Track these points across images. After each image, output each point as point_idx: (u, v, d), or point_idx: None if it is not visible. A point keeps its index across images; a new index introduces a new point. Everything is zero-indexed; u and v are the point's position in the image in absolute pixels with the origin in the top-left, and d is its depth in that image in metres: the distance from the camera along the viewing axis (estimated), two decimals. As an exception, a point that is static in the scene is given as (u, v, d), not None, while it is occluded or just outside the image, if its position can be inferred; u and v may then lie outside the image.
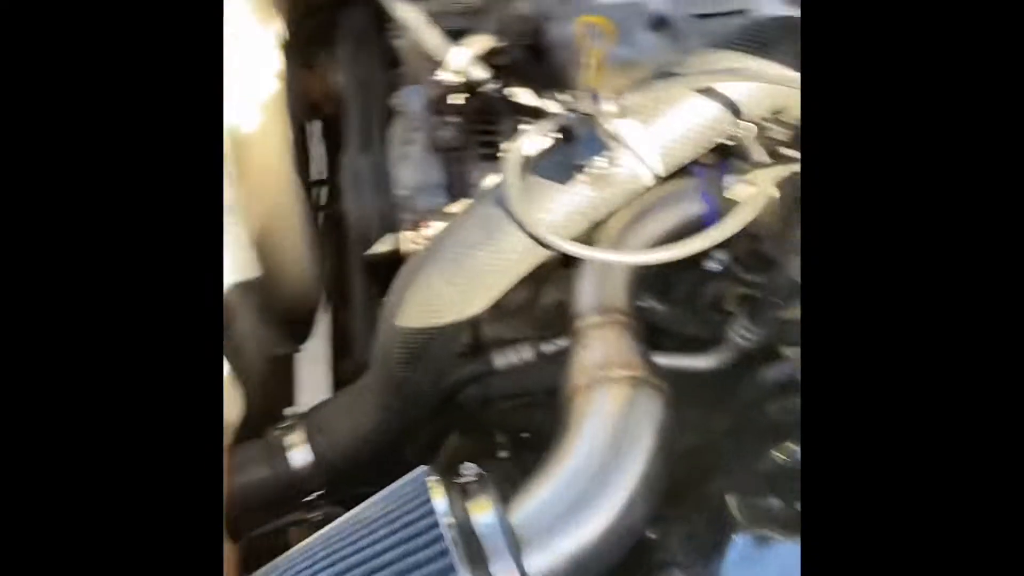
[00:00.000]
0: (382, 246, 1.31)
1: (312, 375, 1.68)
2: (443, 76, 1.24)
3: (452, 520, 0.96)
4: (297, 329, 1.62)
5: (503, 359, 1.30)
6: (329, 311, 1.66)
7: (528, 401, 1.47)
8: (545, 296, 1.31)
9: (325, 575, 0.97)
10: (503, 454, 1.55)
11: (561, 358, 1.17)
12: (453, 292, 1.03)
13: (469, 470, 1.06)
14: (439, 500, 0.98)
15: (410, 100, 1.30)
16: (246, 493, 1.22)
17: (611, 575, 1.10)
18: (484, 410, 1.47)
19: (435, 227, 1.25)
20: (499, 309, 1.33)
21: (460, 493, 1.03)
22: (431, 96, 1.27)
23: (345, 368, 1.54)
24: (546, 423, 1.51)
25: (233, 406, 1.19)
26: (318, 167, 1.84)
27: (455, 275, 1.03)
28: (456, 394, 1.35)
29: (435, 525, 0.96)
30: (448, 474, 1.10)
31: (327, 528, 1.10)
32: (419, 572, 0.93)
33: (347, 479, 1.30)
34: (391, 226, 1.29)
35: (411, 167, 1.28)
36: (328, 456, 1.22)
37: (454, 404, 1.41)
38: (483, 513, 1.00)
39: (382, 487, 1.07)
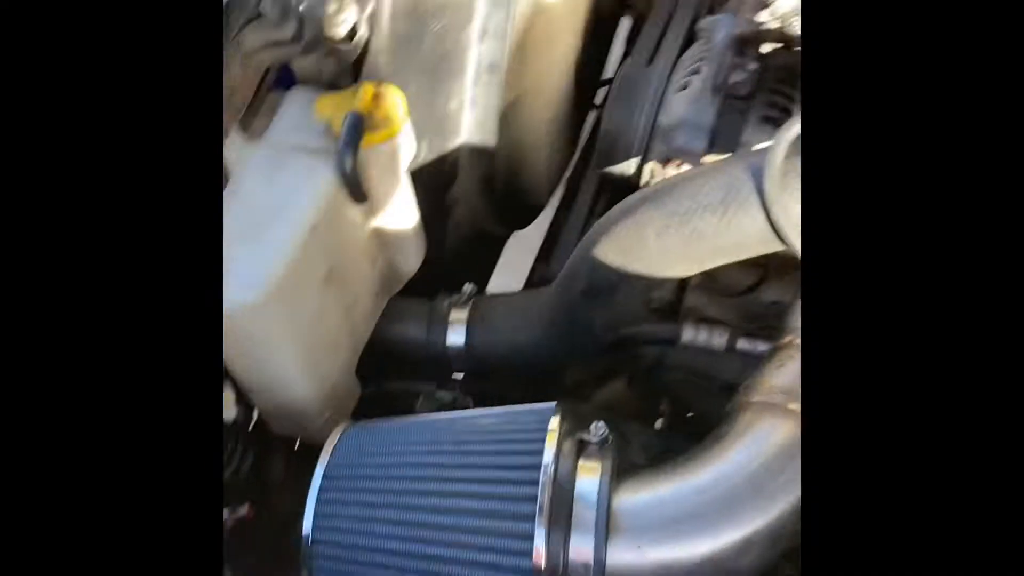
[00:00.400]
0: (622, 168, 1.21)
1: (509, 265, 1.64)
2: (762, 17, 1.09)
3: (552, 473, 0.89)
4: (516, 215, 1.58)
5: (692, 335, 1.18)
6: (554, 211, 1.59)
7: (702, 385, 1.37)
8: (766, 292, 1.16)
9: (421, 459, 0.95)
10: (658, 424, 1.48)
11: (750, 362, 1.04)
12: (660, 246, 0.93)
13: (598, 430, 0.99)
14: (550, 447, 0.91)
15: (717, 29, 1.15)
16: (393, 344, 1.23)
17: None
18: (658, 372, 1.38)
19: (682, 169, 1.14)
20: (712, 282, 1.22)
21: (576, 448, 0.96)
22: (740, 33, 1.12)
23: (538, 272, 1.48)
24: (714, 414, 1.43)
25: (415, 253, 1.18)
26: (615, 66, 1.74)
27: (670, 229, 0.92)
28: (632, 345, 1.26)
29: (535, 467, 0.90)
30: (578, 421, 1.04)
31: (444, 415, 1.08)
32: (501, 504, 0.89)
33: (489, 376, 1.27)
34: (641, 151, 1.19)
35: (686, 99, 1.15)
36: (480, 347, 1.19)
37: (631, 353, 1.33)
38: (588, 479, 0.92)
39: (518, 400, 1.03)
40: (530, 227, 1.69)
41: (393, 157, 1.01)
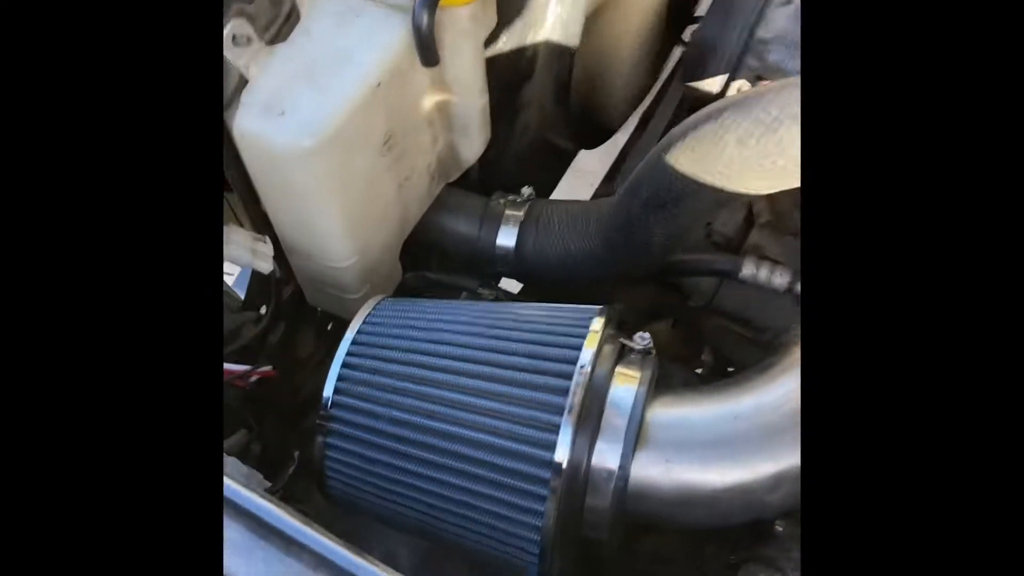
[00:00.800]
0: (708, 84, 1.14)
1: (582, 178, 1.59)
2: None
3: (588, 372, 0.85)
4: (587, 131, 1.52)
5: (753, 269, 1.12)
6: (630, 132, 1.53)
7: (747, 338, 1.32)
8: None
9: (454, 337, 0.91)
10: (698, 371, 1.43)
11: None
12: (740, 155, 0.87)
13: (643, 339, 0.94)
14: (590, 346, 0.87)
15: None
16: (441, 234, 1.19)
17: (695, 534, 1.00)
18: (705, 316, 1.33)
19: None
20: (780, 221, 1.15)
21: (617, 353, 0.91)
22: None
23: (605, 189, 1.43)
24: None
25: (478, 140, 1.13)
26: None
27: (753, 138, 0.85)
28: (688, 273, 1.21)
29: (571, 363, 0.86)
30: (621, 330, 0.99)
31: (483, 303, 1.04)
32: (532, 393, 0.85)
33: (531, 281, 1.23)
34: (731, 67, 1.12)
35: (786, 16, 1.08)
36: (530, 251, 1.14)
37: (681, 290, 1.28)
38: (625, 385, 0.88)
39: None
40: (599, 151, 1.63)
41: (471, 25, 0.96)
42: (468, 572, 1.13)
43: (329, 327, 1.28)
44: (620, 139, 1.58)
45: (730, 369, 1.44)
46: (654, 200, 0.95)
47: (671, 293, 1.33)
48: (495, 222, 1.17)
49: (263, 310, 1.14)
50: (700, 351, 1.48)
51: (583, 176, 1.73)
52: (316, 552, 0.55)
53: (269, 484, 1.05)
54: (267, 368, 1.05)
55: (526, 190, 1.20)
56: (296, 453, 1.09)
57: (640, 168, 0.99)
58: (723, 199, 0.93)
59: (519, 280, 1.22)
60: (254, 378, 1.03)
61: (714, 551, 0.99)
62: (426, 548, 1.10)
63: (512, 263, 1.17)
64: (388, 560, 1.17)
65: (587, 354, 0.86)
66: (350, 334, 0.94)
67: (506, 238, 1.16)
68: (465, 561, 1.08)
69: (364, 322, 0.95)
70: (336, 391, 0.91)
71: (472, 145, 1.13)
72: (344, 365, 0.92)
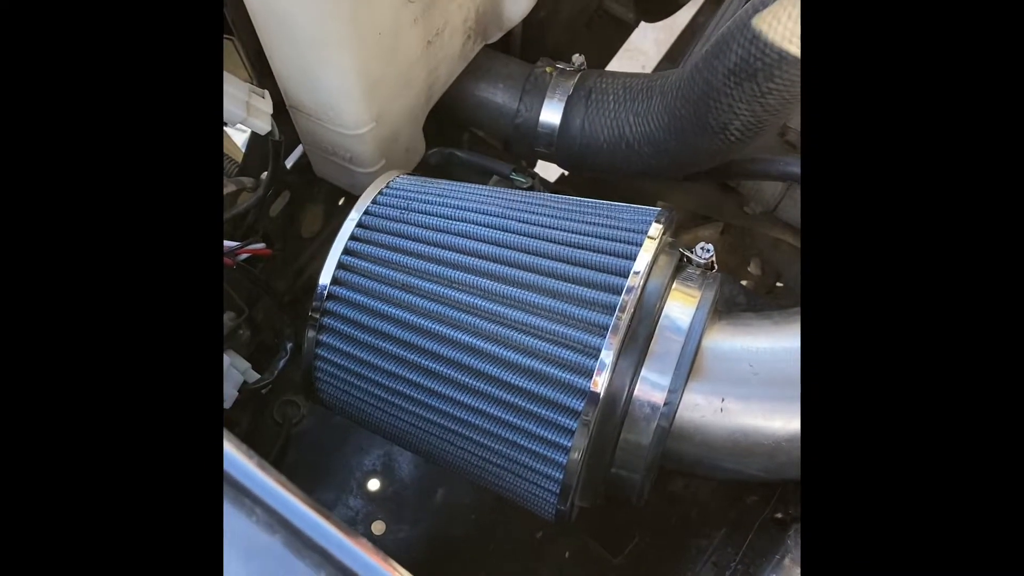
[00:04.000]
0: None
1: (632, 59, 1.39)
2: None
3: (641, 285, 0.70)
4: (652, 5, 1.32)
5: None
6: (697, 7, 1.33)
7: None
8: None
9: (481, 231, 0.76)
10: (744, 283, 1.30)
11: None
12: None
13: (705, 252, 0.78)
14: (646, 254, 0.71)
15: None
16: (474, 106, 1.02)
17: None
18: (761, 225, 1.18)
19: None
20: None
21: (675, 267, 0.76)
22: None
23: (664, 69, 1.24)
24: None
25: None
26: None
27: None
28: (753, 176, 1.04)
29: (622, 274, 0.70)
30: (681, 240, 0.84)
31: (519, 191, 0.88)
32: (573, 308, 0.69)
33: (574, 168, 1.06)
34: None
35: None
36: (577, 131, 0.97)
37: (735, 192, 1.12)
38: (681, 305, 0.73)
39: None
40: (656, 29, 1.43)
41: None
42: (472, 488, 1.02)
43: (340, 202, 1.12)
44: (683, 18, 1.38)
45: (778, 284, 1.31)
46: (743, 68, 0.77)
47: (728, 195, 1.17)
48: (539, 93, 0.99)
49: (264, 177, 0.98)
50: (748, 262, 1.34)
51: (634, 56, 1.54)
52: (271, 507, 0.42)
53: (257, 376, 0.92)
54: (260, 246, 0.90)
55: (577, 58, 1.02)
56: (288, 344, 0.95)
57: (728, 28, 0.80)
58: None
59: (561, 165, 1.05)
60: (244, 256, 0.88)
61: (756, 503, 0.86)
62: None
63: (556, 145, 1.00)
64: (385, 471, 1.08)
65: (641, 264, 0.71)
66: (355, 213, 0.79)
67: (551, 113, 0.99)
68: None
69: (373, 201, 0.79)
70: (334, 280, 0.76)
71: (519, 0, 0.94)
72: (346, 251, 0.77)
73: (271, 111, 0.84)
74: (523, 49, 1.10)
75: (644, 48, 1.61)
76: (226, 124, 0.82)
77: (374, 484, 1.04)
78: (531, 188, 1.00)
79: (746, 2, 1.07)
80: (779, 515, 0.82)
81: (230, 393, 0.85)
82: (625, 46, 1.48)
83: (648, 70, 1.44)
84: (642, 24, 1.35)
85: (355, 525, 1.02)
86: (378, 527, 1.02)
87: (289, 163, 1.01)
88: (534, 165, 1.13)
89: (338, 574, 0.39)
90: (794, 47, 0.72)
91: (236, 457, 0.43)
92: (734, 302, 1.24)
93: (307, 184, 1.05)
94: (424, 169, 1.03)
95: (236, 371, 0.86)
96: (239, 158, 1.05)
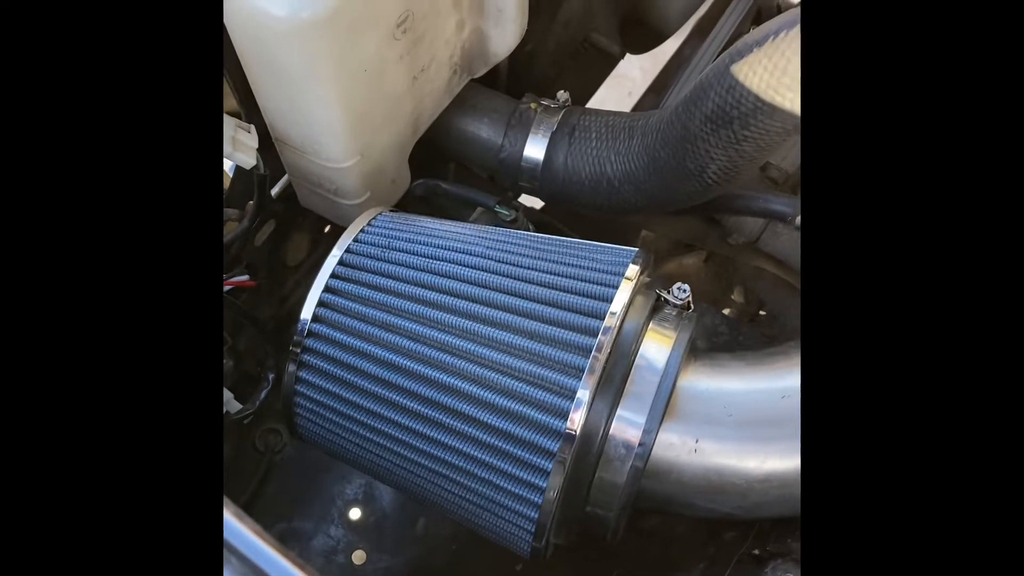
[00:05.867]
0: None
1: (619, 85, 1.41)
2: None
3: (617, 326, 0.71)
4: (635, 33, 1.33)
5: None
6: (682, 39, 1.34)
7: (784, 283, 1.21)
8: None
9: (461, 271, 0.77)
10: (726, 311, 1.31)
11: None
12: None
13: (681, 292, 0.79)
14: (622, 295, 0.72)
15: None
16: (459, 139, 1.03)
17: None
18: (744, 256, 1.19)
19: None
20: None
21: (651, 308, 0.77)
22: None
23: (649, 101, 1.25)
24: (788, 318, 1.25)
25: (512, 30, 0.95)
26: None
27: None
28: (734, 211, 1.05)
29: (598, 316, 0.71)
30: (659, 283, 0.85)
31: (500, 229, 0.89)
32: (551, 349, 0.70)
33: (556, 202, 1.07)
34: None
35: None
36: (560, 167, 0.98)
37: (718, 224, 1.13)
38: (657, 345, 0.74)
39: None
40: (643, 58, 1.45)
41: None
42: (450, 527, 1.03)
43: (326, 230, 1.13)
44: (669, 48, 1.39)
45: (761, 312, 1.32)
46: (719, 115, 0.79)
47: (711, 227, 1.18)
48: (524, 129, 1.00)
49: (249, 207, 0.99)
50: (731, 289, 1.35)
51: (622, 82, 1.55)
52: (247, 558, 0.42)
53: (240, 406, 0.93)
54: (244, 278, 0.91)
55: (562, 95, 1.03)
56: (270, 375, 0.96)
57: (705, 75, 0.82)
58: (795, 127, 0.77)
59: (543, 199, 1.06)
60: (228, 287, 0.89)
61: (734, 539, 0.87)
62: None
63: (538, 179, 1.01)
64: (366, 501, 1.08)
65: (617, 304, 0.72)
66: (337, 251, 0.80)
67: (535, 149, 1.00)
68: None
69: (355, 239, 0.80)
70: (315, 318, 0.77)
71: (505, 35, 0.95)
72: (327, 289, 0.78)
73: (256, 146, 0.85)
74: (509, 81, 1.11)
75: (631, 75, 1.63)
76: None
77: (355, 513, 1.05)
78: (515, 220, 1.01)
79: (727, 43, 1.09)
80: (756, 551, 0.83)
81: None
82: (613, 72, 1.49)
83: (634, 96, 1.45)
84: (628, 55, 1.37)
85: (336, 554, 1.03)
86: (359, 556, 1.03)
87: (275, 192, 1.01)
88: (519, 195, 1.14)
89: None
90: (769, 97, 0.73)
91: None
92: (716, 332, 1.26)
93: (293, 212, 1.06)
94: (409, 200, 1.04)
95: (218, 402, 0.87)
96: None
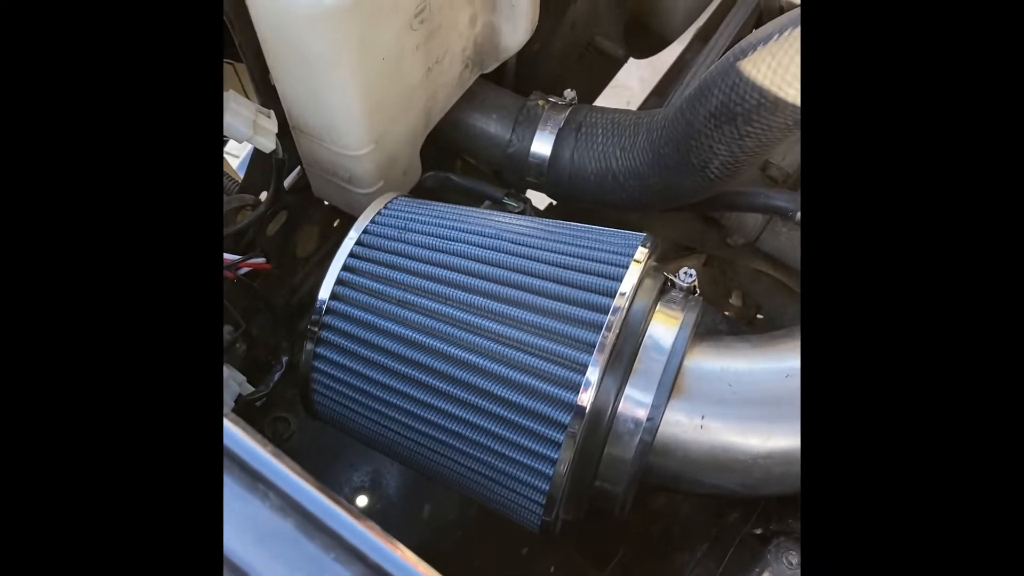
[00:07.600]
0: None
1: (617, 95, 1.44)
2: None
3: (626, 307, 0.73)
4: (639, 37, 1.37)
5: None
6: (683, 45, 1.37)
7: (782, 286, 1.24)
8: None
9: (476, 252, 0.79)
10: (726, 313, 1.33)
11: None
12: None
13: (688, 276, 0.82)
14: (631, 277, 0.75)
15: None
16: (469, 134, 1.05)
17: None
18: (744, 256, 1.22)
19: None
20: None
21: (659, 289, 0.79)
22: None
23: (650, 105, 1.28)
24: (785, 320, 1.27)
25: (523, 26, 0.98)
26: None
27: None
28: (735, 207, 1.08)
29: (609, 294, 0.74)
30: (665, 264, 0.87)
31: (513, 215, 0.92)
32: (562, 326, 0.73)
33: (562, 198, 1.10)
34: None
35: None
36: (566, 163, 1.01)
37: (717, 224, 1.16)
38: (664, 326, 0.76)
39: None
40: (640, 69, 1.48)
41: None
42: (458, 504, 1.05)
43: (335, 224, 1.16)
44: (668, 56, 1.43)
45: (759, 316, 1.34)
46: (723, 111, 0.81)
47: (711, 227, 1.21)
48: (531, 125, 1.03)
49: (263, 196, 1.01)
50: (729, 293, 1.38)
51: (620, 92, 1.58)
52: (284, 492, 0.44)
53: (252, 388, 0.95)
54: (260, 260, 0.93)
55: (569, 93, 1.06)
56: (284, 359, 0.98)
57: (710, 73, 0.85)
58: (799, 122, 0.80)
59: (550, 195, 1.09)
60: (245, 269, 0.91)
61: (738, 519, 0.89)
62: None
63: (544, 174, 1.04)
64: (373, 488, 1.10)
65: (627, 286, 0.74)
66: (355, 232, 0.82)
67: (541, 145, 1.02)
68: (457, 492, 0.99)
69: (372, 221, 0.83)
70: (333, 296, 0.79)
71: (516, 31, 0.98)
72: (345, 267, 0.80)
73: (276, 130, 0.88)
74: (516, 81, 1.14)
75: (629, 84, 1.65)
76: (235, 141, 0.85)
77: (362, 500, 1.06)
78: (523, 212, 1.04)
79: (730, 46, 1.12)
80: (759, 531, 0.85)
81: (227, 404, 0.87)
82: (611, 82, 1.53)
83: (633, 106, 1.47)
84: (629, 61, 1.41)
85: (342, 539, 1.04)
86: (365, 542, 1.04)
87: (287, 183, 1.04)
88: (524, 192, 1.16)
89: (347, 554, 0.42)
90: (771, 94, 0.76)
91: (250, 445, 0.46)
92: (716, 330, 1.28)
93: (304, 205, 1.08)
94: (419, 192, 1.06)
95: (234, 383, 0.89)
96: (236, 178, 1.08)
